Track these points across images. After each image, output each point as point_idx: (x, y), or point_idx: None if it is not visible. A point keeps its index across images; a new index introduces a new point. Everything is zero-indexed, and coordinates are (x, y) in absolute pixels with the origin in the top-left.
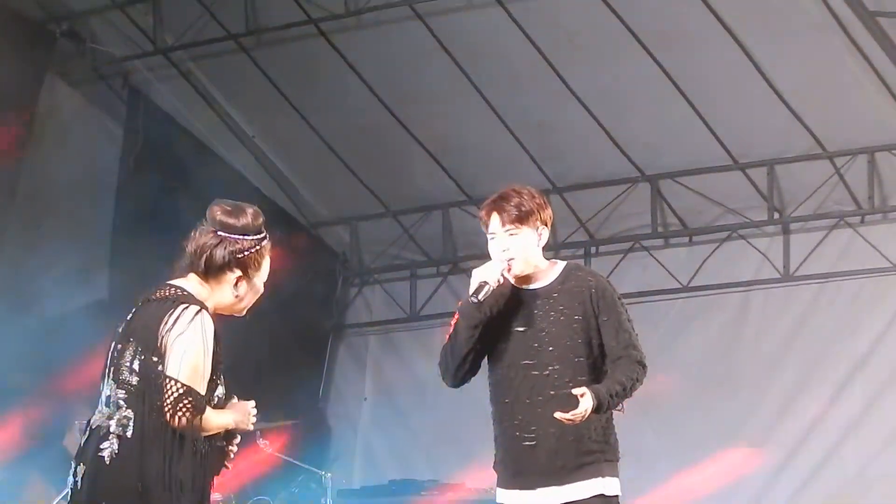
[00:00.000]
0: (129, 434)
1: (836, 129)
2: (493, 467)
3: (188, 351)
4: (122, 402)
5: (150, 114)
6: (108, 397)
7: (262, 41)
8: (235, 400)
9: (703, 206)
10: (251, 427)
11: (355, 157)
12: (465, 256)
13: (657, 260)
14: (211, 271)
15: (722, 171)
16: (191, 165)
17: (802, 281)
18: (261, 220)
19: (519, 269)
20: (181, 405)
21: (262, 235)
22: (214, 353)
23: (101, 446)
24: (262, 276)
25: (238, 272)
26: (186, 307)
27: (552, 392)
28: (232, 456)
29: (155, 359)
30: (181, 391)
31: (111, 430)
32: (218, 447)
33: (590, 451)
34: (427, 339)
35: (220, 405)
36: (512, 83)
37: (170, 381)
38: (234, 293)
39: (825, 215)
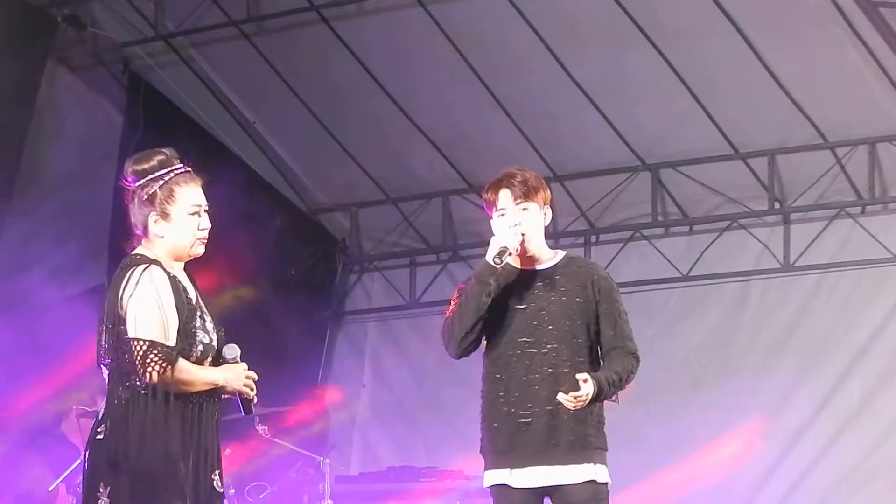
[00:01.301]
0: (115, 412)
1: (837, 119)
2: (481, 451)
3: (141, 307)
4: (107, 383)
5: (150, 100)
6: (104, 383)
7: (264, 28)
8: (238, 351)
9: (703, 196)
10: (244, 389)
11: (356, 143)
12: (464, 244)
13: (657, 249)
14: (141, 226)
15: (723, 160)
16: (191, 152)
17: (802, 271)
18: (166, 156)
19: (528, 245)
20: (149, 359)
21: (168, 169)
22: (185, 302)
23: (98, 430)
24: (181, 206)
25: (152, 212)
26: (134, 269)
27: (549, 370)
28: (253, 402)
29: (121, 328)
30: (145, 347)
31: (104, 413)
32: (214, 403)
33: (584, 434)
34: (426, 326)
35: (214, 354)
36: (514, 71)
37: (133, 342)
38: (157, 235)
39: (826, 206)
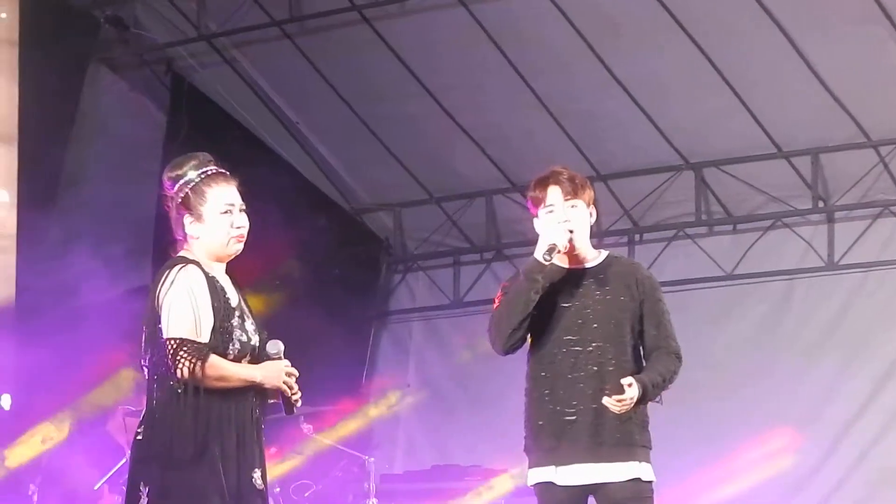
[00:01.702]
0: (153, 412)
1: (880, 117)
2: (525, 449)
3: (174, 305)
4: (147, 384)
5: (193, 100)
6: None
7: (306, 28)
8: (281, 346)
9: (747, 195)
10: (283, 386)
11: (399, 143)
12: (508, 243)
13: (701, 248)
14: (177, 227)
15: (766, 159)
16: (234, 152)
17: (846, 270)
18: (199, 160)
19: (576, 243)
20: (179, 356)
21: (199, 171)
22: (222, 301)
23: (139, 430)
24: (212, 206)
25: (185, 213)
26: (171, 269)
27: (594, 368)
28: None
29: (157, 327)
30: (176, 344)
31: (144, 414)
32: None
33: (628, 432)
34: (470, 325)
35: (256, 354)
36: (555, 70)
37: (167, 342)
38: (192, 236)
39: (869, 204)
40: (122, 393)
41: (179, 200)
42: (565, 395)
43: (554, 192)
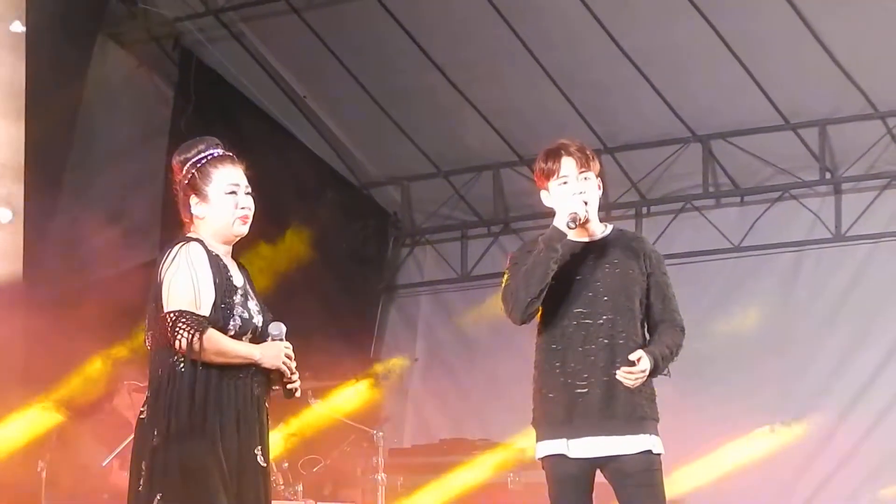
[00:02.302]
0: (155, 390)
1: (888, 89)
2: (534, 422)
3: (174, 280)
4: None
5: (201, 75)
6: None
7: (314, 2)
8: (283, 328)
9: (754, 167)
10: (283, 367)
11: (406, 117)
12: (515, 216)
13: (708, 220)
14: (184, 209)
15: (774, 131)
16: (242, 127)
17: (854, 241)
18: (207, 143)
19: (588, 215)
20: (178, 327)
21: (206, 153)
22: (224, 278)
23: (142, 408)
24: (217, 185)
25: (191, 194)
26: (174, 246)
27: (605, 341)
28: (294, 391)
29: (159, 303)
30: (175, 316)
31: (147, 393)
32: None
33: (639, 405)
34: (478, 299)
35: (259, 334)
36: (563, 43)
37: (167, 315)
38: (198, 216)
39: (877, 175)
40: (129, 369)
41: (186, 182)
42: (577, 367)
43: (568, 164)
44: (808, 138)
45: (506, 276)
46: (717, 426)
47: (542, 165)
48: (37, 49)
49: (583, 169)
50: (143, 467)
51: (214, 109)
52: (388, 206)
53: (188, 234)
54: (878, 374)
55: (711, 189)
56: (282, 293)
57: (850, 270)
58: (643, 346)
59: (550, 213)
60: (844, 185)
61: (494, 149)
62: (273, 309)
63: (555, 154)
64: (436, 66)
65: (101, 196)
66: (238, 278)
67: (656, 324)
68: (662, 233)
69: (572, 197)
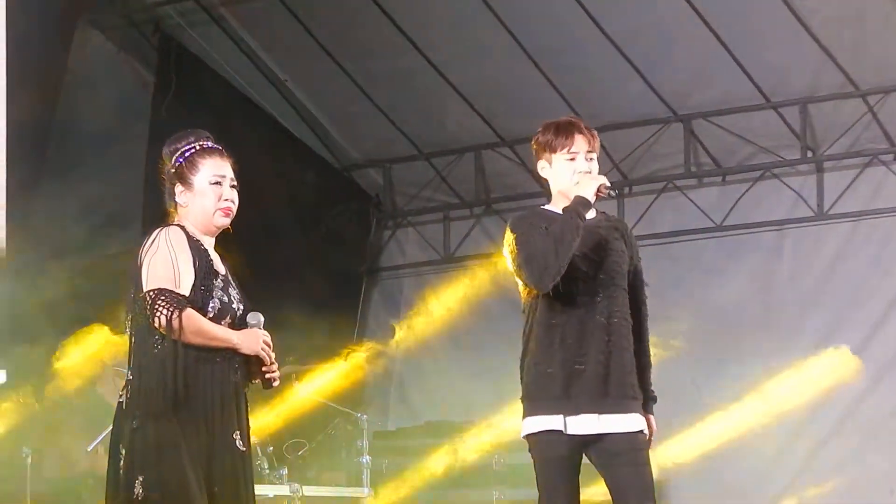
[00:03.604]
0: (133, 375)
1: (868, 66)
2: (526, 397)
3: (153, 262)
4: (129, 347)
5: (182, 60)
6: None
7: None
8: (261, 318)
9: (735, 146)
10: (261, 353)
11: (387, 99)
12: (497, 198)
13: (690, 199)
14: (169, 199)
15: (754, 110)
16: (223, 111)
17: (836, 219)
18: (197, 135)
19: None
20: (157, 304)
21: (195, 144)
22: (205, 262)
23: (121, 393)
24: (203, 175)
25: (177, 182)
26: (154, 230)
27: (602, 319)
28: (273, 381)
29: (139, 284)
30: (154, 294)
31: (126, 378)
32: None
33: (631, 384)
34: (461, 280)
35: (237, 321)
36: (544, 24)
37: (146, 294)
38: (181, 204)
39: (858, 153)
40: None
41: (173, 170)
42: (574, 344)
43: (581, 141)
44: (789, 117)
45: (514, 246)
46: (700, 404)
47: (551, 138)
48: (17, 34)
49: (590, 150)
50: (122, 451)
51: (195, 94)
52: (370, 188)
53: (170, 222)
54: (860, 352)
55: (693, 169)
56: (263, 278)
57: (833, 249)
58: (632, 325)
59: (533, 194)
60: (826, 164)
61: (476, 130)
62: (254, 294)
63: (567, 129)
64: (416, 48)
65: (81, 181)
66: (220, 266)
67: (636, 308)
68: (644, 213)
69: (579, 175)
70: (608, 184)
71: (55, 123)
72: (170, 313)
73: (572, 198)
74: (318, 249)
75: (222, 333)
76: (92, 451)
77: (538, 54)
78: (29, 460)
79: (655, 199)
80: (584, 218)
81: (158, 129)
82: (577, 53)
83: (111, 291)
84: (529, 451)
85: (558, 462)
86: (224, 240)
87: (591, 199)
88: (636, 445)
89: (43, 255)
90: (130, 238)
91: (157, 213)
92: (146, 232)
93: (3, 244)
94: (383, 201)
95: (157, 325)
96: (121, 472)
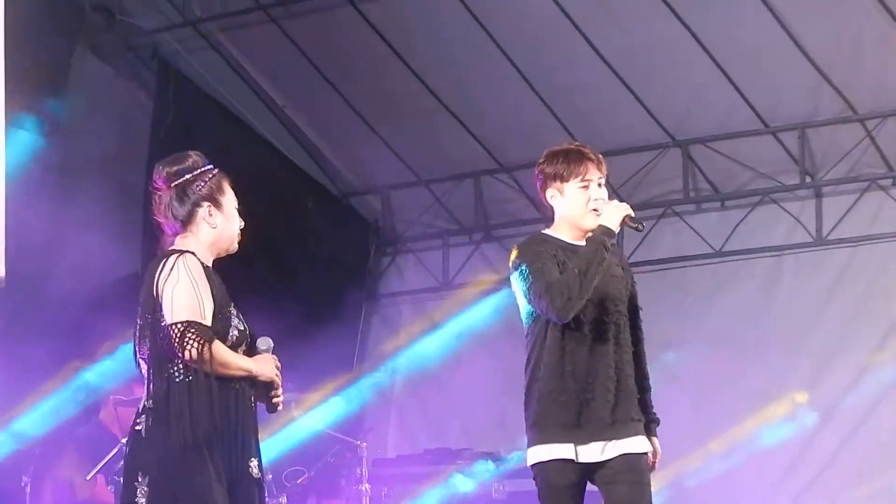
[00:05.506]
0: (154, 403)
1: (866, 91)
2: (533, 426)
3: (176, 291)
4: (146, 375)
5: (180, 86)
6: (142, 374)
7: (292, 11)
8: (271, 343)
9: (734, 171)
10: (275, 378)
11: (386, 125)
12: (496, 224)
13: (689, 225)
14: (183, 219)
15: (753, 135)
16: (221, 136)
17: (835, 244)
18: (199, 155)
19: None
20: (187, 338)
21: (211, 166)
22: (219, 288)
23: (137, 420)
24: (230, 199)
25: (206, 203)
26: (168, 257)
27: (611, 347)
28: (278, 406)
29: (158, 314)
30: (183, 326)
31: (144, 405)
32: (250, 393)
33: (634, 407)
34: (460, 306)
35: (248, 344)
36: (539, 47)
37: (172, 326)
38: (211, 225)
39: (857, 178)
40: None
41: (198, 188)
42: (585, 372)
43: (593, 170)
44: (787, 142)
45: (529, 275)
46: (701, 428)
47: (562, 167)
48: (15, 60)
49: (601, 176)
50: (143, 480)
51: (193, 119)
52: (369, 214)
53: (174, 247)
54: (859, 377)
55: (692, 194)
56: (262, 304)
57: (832, 274)
58: (633, 351)
59: (532, 220)
60: (825, 189)
61: (475, 157)
62: (253, 320)
63: (578, 157)
64: (415, 74)
65: (81, 206)
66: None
67: (632, 334)
68: (643, 238)
69: (597, 203)
70: (633, 214)
71: (54, 148)
72: (200, 346)
73: (585, 226)
74: (318, 275)
75: (244, 363)
76: (91, 480)
77: (536, 80)
78: (28, 489)
79: (654, 224)
80: (609, 249)
81: (157, 154)
82: (575, 79)
83: (112, 317)
84: (534, 479)
85: (566, 490)
86: (220, 265)
87: (616, 229)
88: (639, 467)
89: (41, 280)
90: (130, 264)
91: (156, 238)
92: (148, 257)
93: (3, 265)
94: (382, 227)
95: (187, 357)
96: (143, 500)
